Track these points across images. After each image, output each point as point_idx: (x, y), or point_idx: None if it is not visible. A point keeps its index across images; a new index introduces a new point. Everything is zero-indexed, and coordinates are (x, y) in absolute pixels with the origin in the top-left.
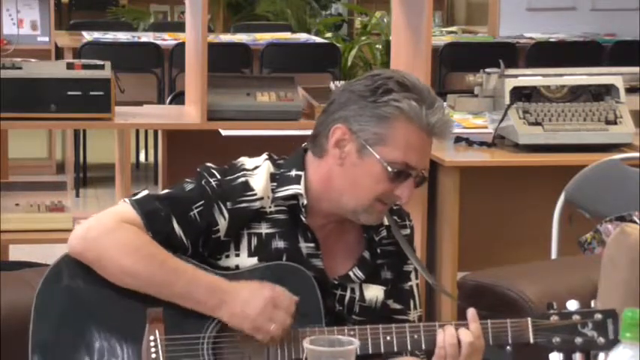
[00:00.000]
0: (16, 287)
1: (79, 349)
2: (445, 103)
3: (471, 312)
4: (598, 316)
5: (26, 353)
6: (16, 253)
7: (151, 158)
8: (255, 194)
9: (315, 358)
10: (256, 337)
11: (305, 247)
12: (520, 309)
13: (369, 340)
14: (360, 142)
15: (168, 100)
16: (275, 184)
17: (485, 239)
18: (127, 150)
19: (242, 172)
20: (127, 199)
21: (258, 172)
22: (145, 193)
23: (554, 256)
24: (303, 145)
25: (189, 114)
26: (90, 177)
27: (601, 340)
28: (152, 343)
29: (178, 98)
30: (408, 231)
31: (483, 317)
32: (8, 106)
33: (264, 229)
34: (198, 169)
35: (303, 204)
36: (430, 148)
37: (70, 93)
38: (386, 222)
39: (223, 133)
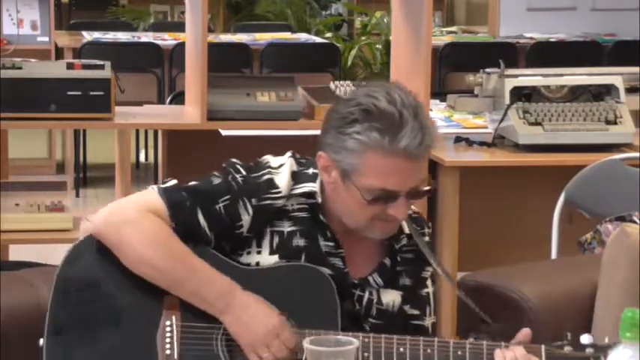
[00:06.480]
0: (16, 287)
1: (93, 330)
2: (445, 104)
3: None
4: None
5: (26, 353)
6: (16, 253)
7: (151, 158)
8: (279, 192)
9: (315, 358)
10: (247, 355)
11: (324, 245)
12: (520, 309)
13: (382, 350)
14: (340, 170)
15: (168, 100)
16: (294, 181)
17: (485, 239)
18: (127, 150)
19: (267, 170)
20: (154, 187)
21: (282, 170)
22: (173, 182)
23: (554, 256)
24: None
25: (189, 114)
26: (90, 177)
27: None
28: (167, 329)
29: (178, 98)
30: (427, 238)
31: (491, 330)
32: (8, 106)
33: (287, 227)
34: (223, 165)
35: (318, 202)
36: (417, 166)
37: (70, 93)
38: (407, 230)
39: (223, 133)
